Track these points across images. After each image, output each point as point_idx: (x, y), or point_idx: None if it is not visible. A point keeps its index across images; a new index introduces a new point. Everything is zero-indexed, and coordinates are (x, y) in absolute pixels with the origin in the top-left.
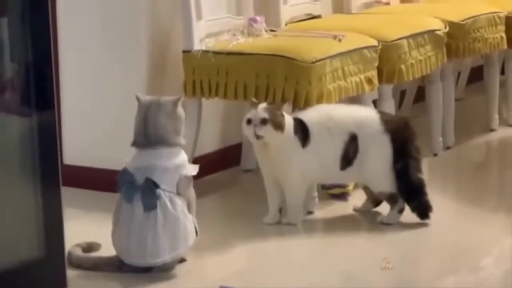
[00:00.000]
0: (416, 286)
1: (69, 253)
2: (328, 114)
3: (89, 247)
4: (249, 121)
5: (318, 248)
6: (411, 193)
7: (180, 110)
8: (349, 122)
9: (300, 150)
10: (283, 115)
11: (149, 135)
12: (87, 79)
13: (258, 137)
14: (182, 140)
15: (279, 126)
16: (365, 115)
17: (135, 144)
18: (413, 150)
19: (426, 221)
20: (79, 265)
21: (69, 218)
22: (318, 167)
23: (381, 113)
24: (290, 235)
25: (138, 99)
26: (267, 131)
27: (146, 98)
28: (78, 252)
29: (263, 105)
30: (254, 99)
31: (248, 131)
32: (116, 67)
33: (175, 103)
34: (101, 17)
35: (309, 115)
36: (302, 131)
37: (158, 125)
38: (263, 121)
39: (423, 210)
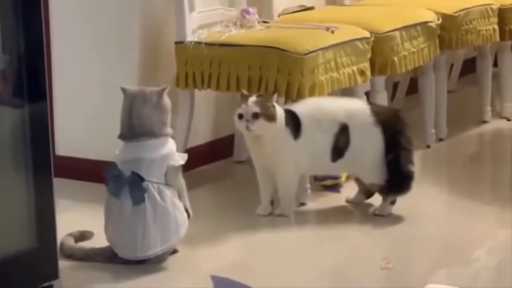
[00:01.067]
0: (409, 278)
1: (61, 243)
2: (319, 106)
3: (82, 236)
4: (240, 116)
5: (310, 240)
6: (398, 185)
7: (165, 100)
8: (340, 113)
9: (292, 141)
10: (274, 106)
11: (134, 127)
12: (79, 71)
13: (251, 131)
14: (168, 130)
15: (271, 118)
16: (356, 107)
17: (121, 136)
18: (404, 141)
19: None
20: (71, 255)
21: (61, 209)
22: (309, 159)
23: (372, 104)
24: (282, 227)
25: (123, 90)
26: (260, 124)
27: (131, 89)
28: (70, 242)
29: (253, 98)
30: (244, 91)
31: (240, 126)
32: (109, 58)
33: (160, 94)
34: (94, 9)
35: (300, 107)
36: (294, 122)
37: (143, 117)
38: (255, 115)
39: (398, 189)
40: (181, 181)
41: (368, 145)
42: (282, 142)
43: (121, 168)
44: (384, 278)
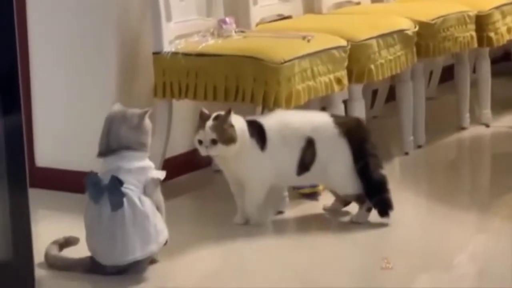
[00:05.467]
0: (389, 286)
1: (46, 252)
2: (285, 122)
3: (67, 242)
4: (200, 142)
5: (288, 248)
6: (373, 191)
7: (146, 122)
8: (305, 128)
9: (258, 152)
10: (232, 126)
11: (111, 145)
12: (58, 82)
13: (212, 155)
14: (147, 150)
15: (229, 140)
16: (320, 120)
17: (99, 154)
18: (370, 148)
19: (386, 219)
20: (53, 264)
21: (42, 219)
22: (274, 171)
23: (334, 116)
24: (260, 235)
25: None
26: (219, 149)
27: (113, 109)
28: (54, 251)
29: (209, 122)
30: (204, 110)
31: (201, 151)
32: (87, 70)
33: (141, 117)
34: (71, 19)
35: (267, 121)
36: (259, 134)
37: (120, 136)
38: (213, 142)
39: (383, 207)
40: (160, 196)
41: (336, 157)
42: (248, 154)
43: (101, 177)
44: (362, 284)
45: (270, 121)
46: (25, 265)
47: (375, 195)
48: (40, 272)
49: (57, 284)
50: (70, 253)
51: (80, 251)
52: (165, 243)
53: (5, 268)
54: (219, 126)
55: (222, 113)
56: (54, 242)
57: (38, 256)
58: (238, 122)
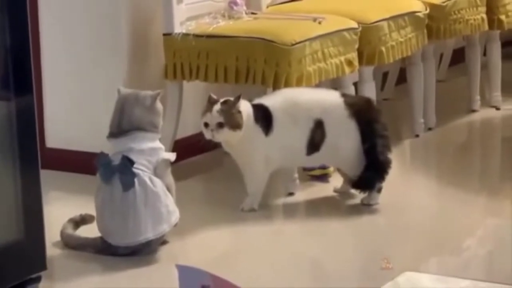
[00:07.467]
0: (399, 269)
1: (61, 231)
2: (293, 101)
3: (83, 220)
4: (206, 125)
5: (297, 232)
6: (371, 167)
7: (158, 104)
8: (314, 109)
9: (262, 138)
10: (240, 112)
11: (123, 125)
12: (69, 63)
13: (217, 139)
14: (159, 132)
15: (236, 126)
16: (330, 101)
17: (110, 135)
18: (379, 128)
19: (351, 191)
20: (67, 243)
21: (53, 200)
22: (282, 152)
23: (344, 96)
24: (270, 218)
25: (118, 91)
26: (225, 133)
27: (125, 91)
28: (69, 230)
29: (217, 106)
30: (213, 95)
31: (206, 134)
32: (98, 51)
33: (154, 98)
34: (82, 2)
35: (274, 101)
36: (265, 118)
37: (133, 117)
38: (220, 125)
39: (362, 183)
40: (171, 178)
41: (345, 139)
42: (251, 140)
43: (112, 158)
44: (371, 266)
45: (277, 101)
46: (37, 246)
47: (369, 170)
48: (51, 252)
49: (68, 264)
50: (86, 232)
51: (95, 230)
52: (176, 224)
53: (17, 248)
54: (227, 110)
55: (231, 98)
56: (70, 220)
57: (50, 236)
58: (245, 108)
